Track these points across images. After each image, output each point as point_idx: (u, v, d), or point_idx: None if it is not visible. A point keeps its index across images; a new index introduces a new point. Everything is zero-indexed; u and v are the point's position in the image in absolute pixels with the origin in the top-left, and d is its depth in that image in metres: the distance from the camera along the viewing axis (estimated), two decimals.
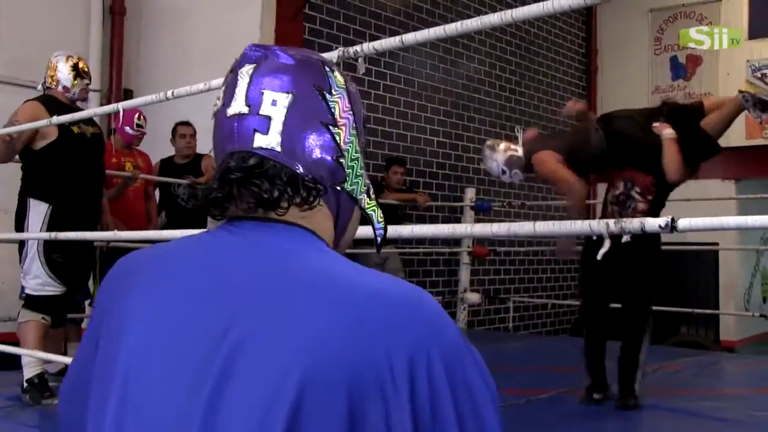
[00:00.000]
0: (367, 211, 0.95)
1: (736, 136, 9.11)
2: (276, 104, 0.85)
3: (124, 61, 6.57)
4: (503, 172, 4.22)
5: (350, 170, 0.90)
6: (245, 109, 0.85)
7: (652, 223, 1.74)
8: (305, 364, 0.72)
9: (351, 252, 6.07)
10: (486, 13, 1.96)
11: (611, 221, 1.82)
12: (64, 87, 4.02)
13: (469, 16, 2.09)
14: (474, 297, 7.66)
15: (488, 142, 4.42)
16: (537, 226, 2.01)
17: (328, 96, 0.88)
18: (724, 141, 9.79)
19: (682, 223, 1.69)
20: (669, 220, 1.71)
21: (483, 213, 7.83)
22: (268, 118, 0.84)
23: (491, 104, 8.59)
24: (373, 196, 0.95)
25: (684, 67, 9.64)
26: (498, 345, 6.41)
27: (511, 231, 2.12)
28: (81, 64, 4.11)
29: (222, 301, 0.78)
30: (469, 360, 0.78)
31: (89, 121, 4.11)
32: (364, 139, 0.95)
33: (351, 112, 0.91)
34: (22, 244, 3.98)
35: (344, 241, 0.95)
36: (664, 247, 6.71)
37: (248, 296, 0.77)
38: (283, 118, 0.85)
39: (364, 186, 0.93)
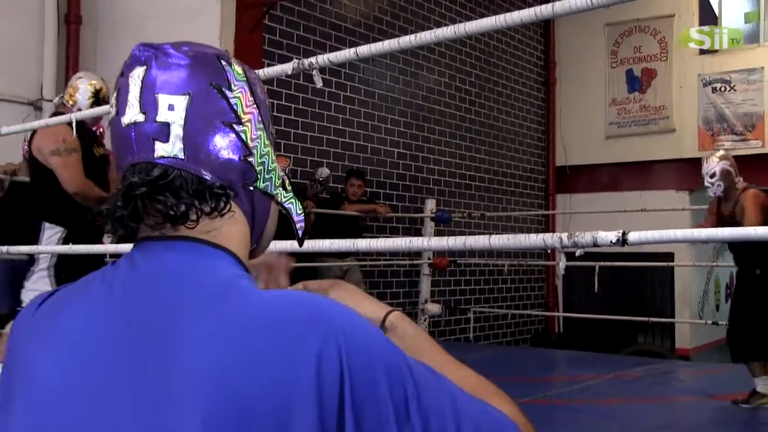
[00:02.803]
0: (284, 204, 0.90)
1: (688, 147, 9.32)
2: (173, 108, 0.80)
3: (80, 71, 6.47)
4: None
5: (261, 167, 0.85)
6: (141, 117, 0.80)
7: (604, 237, 1.77)
8: (204, 401, 0.68)
9: (311, 265, 6.06)
10: (447, 25, 1.98)
11: (564, 235, 1.84)
12: (79, 110, 3.97)
13: (430, 29, 2.11)
14: (435, 308, 7.68)
15: None
16: (492, 240, 2.02)
17: (228, 93, 0.83)
18: (678, 152, 10.02)
19: (633, 236, 1.72)
20: (620, 234, 1.74)
21: (443, 224, 7.87)
22: (167, 125, 0.80)
23: (451, 116, 8.64)
24: (289, 188, 0.91)
25: (639, 79, 9.82)
26: (459, 355, 6.39)
27: (468, 245, 2.13)
28: (103, 91, 4.06)
29: (119, 358, 0.75)
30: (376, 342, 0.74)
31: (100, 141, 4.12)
32: (273, 128, 0.90)
33: (255, 105, 0.85)
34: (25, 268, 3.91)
35: (265, 238, 0.91)
36: (620, 262, 6.85)
37: (142, 349, 0.74)
38: (182, 123, 0.80)
39: (279, 179, 0.88)
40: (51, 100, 6.10)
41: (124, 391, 0.73)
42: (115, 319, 0.77)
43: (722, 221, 4.52)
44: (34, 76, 6.16)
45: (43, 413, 0.76)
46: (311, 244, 2.34)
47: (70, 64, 6.37)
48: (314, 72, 2.19)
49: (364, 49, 2.15)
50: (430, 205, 7.85)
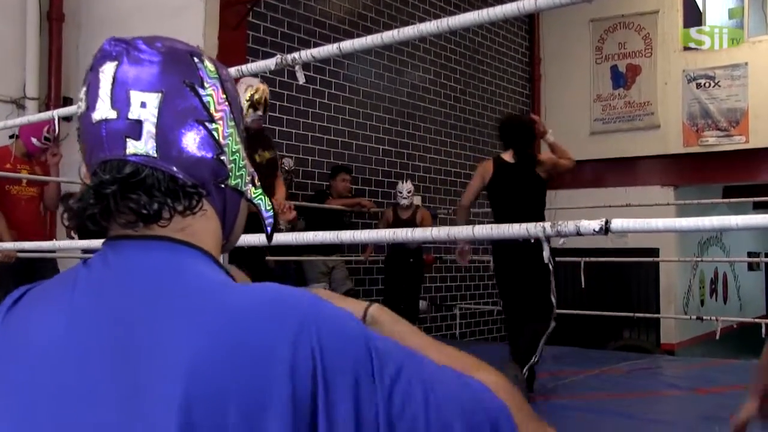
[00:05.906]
0: (254, 201, 0.91)
1: (673, 143, 9.37)
2: (146, 106, 0.79)
3: (63, 69, 6.42)
4: None
5: (233, 164, 0.85)
6: (112, 114, 0.79)
7: (587, 226, 1.77)
8: (180, 390, 0.68)
9: (297, 259, 6.04)
10: (431, 20, 1.98)
11: (547, 224, 1.84)
12: None
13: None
14: (421, 305, 7.69)
15: None
16: (476, 230, 2.02)
17: (200, 90, 0.82)
18: (662, 148, 10.06)
19: (615, 225, 1.72)
20: (603, 222, 1.74)
21: None
22: (139, 122, 0.79)
23: (436, 112, 8.65)
24: (258, 184, 0.91)
25: (624, 76, 9.86)
26: None
27: (451, 235, 2.13)
28: (257, 96, 4.07)
29: (97, 361, 0.73)
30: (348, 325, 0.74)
31: (268, 145, 4.17)
32: (243, 125, 0.90)
33: (226, 103, 0.85)
34: None
35: (234, 234, 0.91)
36: (605, 257, 7.14)
37: (113, 357, 0.73)
38: (155, 121, 0.79)
39: (249, 176, 0.89)
40: (34, 98, 6.07)
41: (105, 391, 0.72)
42: (91, 322, 0.76)
43: (400, 224, 6.42)
44: (17, 75, 6.11)
45: (22, 424, 0.74)
46: (295, 237, 2.34)
47: (52, 62, 6.32)
48: (297, 68, 2.19)
49: (348, 45, 2.14)
50: (416, 201, 7.85)
